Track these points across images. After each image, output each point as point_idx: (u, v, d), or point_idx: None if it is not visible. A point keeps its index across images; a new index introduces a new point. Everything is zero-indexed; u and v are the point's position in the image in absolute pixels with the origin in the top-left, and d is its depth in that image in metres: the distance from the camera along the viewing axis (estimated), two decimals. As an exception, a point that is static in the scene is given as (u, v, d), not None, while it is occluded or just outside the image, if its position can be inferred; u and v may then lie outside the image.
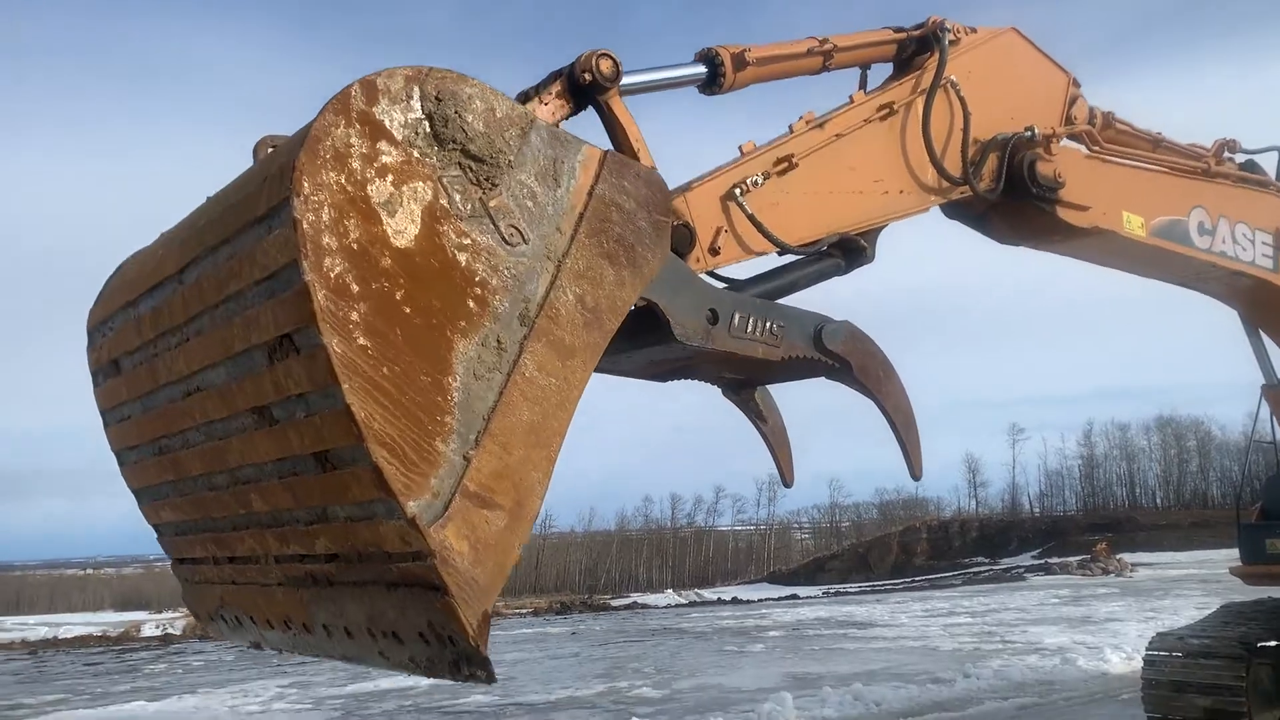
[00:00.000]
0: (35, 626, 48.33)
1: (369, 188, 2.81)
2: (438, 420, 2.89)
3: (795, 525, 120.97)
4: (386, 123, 2.85)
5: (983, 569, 65.78)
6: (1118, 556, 54.90)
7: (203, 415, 3.43)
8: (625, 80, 3.94)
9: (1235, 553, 11.79)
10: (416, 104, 2.92)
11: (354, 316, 2.74)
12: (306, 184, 2.71)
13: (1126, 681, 13.94)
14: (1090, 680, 15.02)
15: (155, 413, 3.75)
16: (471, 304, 2.98)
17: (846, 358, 4.35)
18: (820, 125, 4.67)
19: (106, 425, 4.15)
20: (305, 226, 2.68)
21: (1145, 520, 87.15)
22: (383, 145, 2.84)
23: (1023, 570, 56.81)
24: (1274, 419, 10.55)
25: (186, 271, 3.34)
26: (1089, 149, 6.19)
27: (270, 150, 3.60)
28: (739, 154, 4.56)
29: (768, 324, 4.14)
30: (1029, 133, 5.45)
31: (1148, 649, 10.55)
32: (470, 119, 2.99)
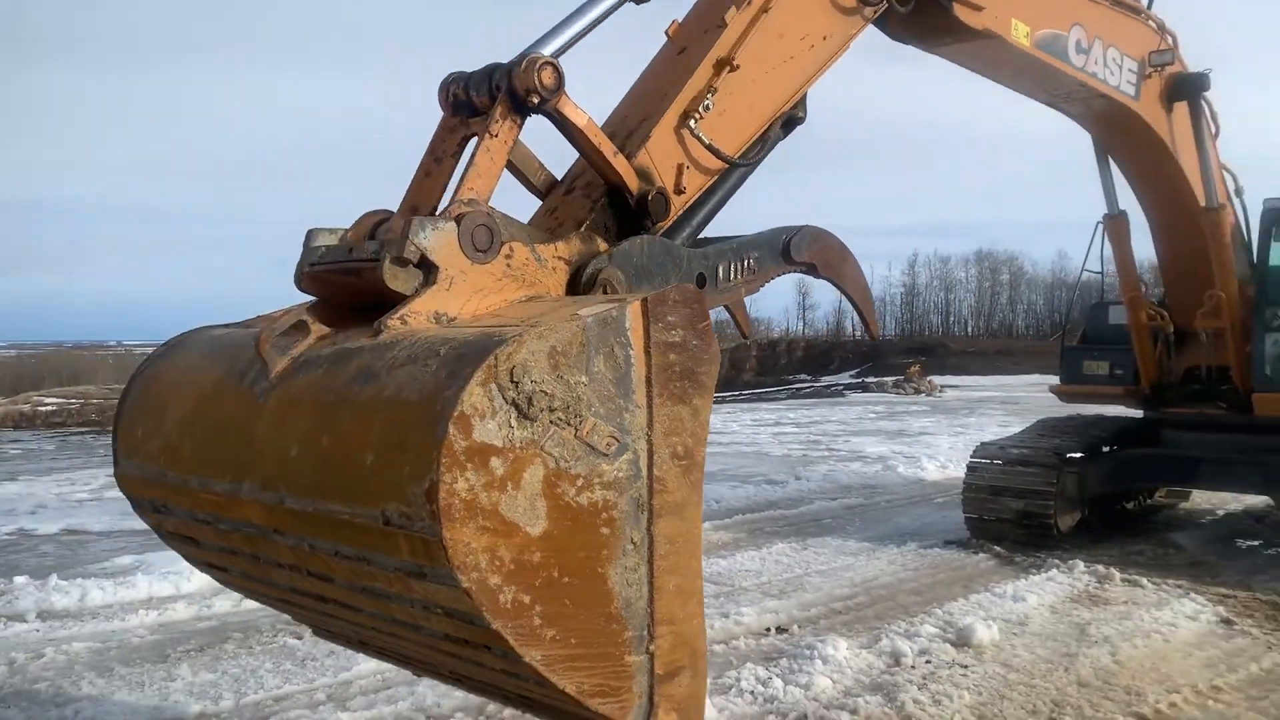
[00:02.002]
0: None
1: (500, 508, 2.73)
2: (621, 643, 3.04)
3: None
4: (488, 439, 2.73)
5: (806, 385, 69.50)
6: (928, 378, 58.87)
7: (354, 619, 3.31)
8: (555, 43, 3.75)
9: (1032, 378, 12.86)
10: (500, 401, 2.75)
11: (535, 622, 2.80)
12: (460, 551, 2.63)
13: (940, 487, 15.24)
14: (909, 485, 16.28)
15: (273, 590, 3.57)
16: (605, 530, 2.99)
17: (812, 260, 4.63)
18: (749, 2, 4.46)
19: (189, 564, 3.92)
20: (473, 587, 2.65)
21: (956, 347, 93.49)
22: (493, 462, 2.73)
23: (842, 388, 60.24)
24: (1111, 248, 11.25)
25: (284, 534, 3.15)
26: None
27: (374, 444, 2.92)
28: (666, 39, 4.35)
29: (745, 262, 4.25)
30: None
31: (971, 456, 11.48)
32: (541, 376, 2.84)
